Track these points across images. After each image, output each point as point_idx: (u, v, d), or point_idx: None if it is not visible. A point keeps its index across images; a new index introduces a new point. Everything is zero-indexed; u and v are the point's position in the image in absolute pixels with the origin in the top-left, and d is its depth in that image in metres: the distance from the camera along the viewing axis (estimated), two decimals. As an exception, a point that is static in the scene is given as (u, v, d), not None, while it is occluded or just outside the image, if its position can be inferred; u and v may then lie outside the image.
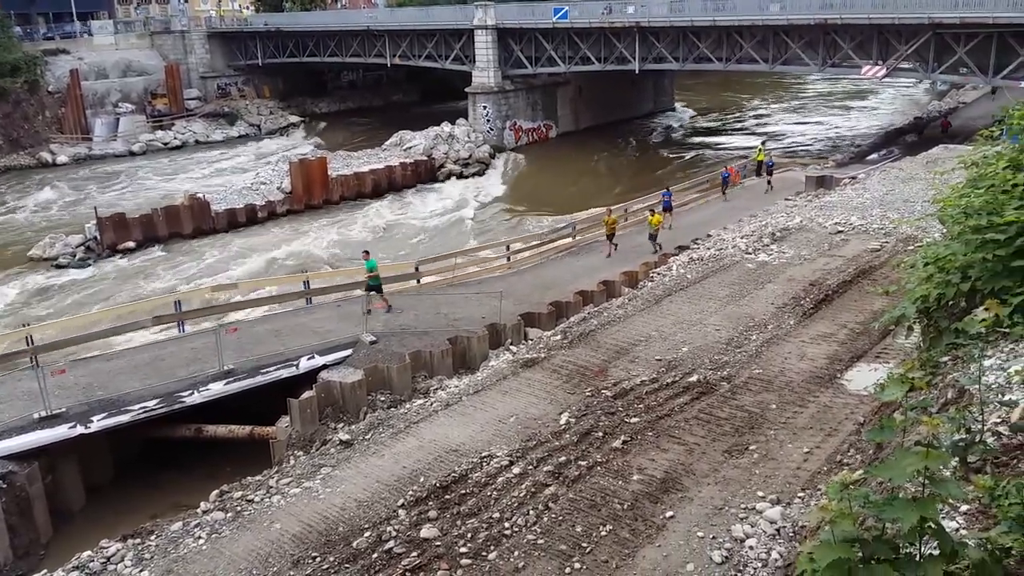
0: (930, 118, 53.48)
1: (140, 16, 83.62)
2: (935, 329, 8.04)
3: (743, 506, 10.51)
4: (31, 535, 14.67)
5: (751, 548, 9.56)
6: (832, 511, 4.19)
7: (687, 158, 52.80)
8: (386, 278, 24.51)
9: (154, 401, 16.65)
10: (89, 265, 34.67)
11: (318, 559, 10.52)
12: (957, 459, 5.46)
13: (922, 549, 4.12)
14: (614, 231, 26.87)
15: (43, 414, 15.78)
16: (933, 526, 4.11)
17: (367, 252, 22.27)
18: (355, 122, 69.58)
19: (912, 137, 46.06)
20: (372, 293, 20.77)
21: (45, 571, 11.84)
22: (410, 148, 49.40)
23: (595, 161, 52.57)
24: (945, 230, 9.55)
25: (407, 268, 25.65)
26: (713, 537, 9.95)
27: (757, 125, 65.01)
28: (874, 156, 45.01)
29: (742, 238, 24.37)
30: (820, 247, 22.59)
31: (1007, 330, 6.93)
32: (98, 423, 15.90)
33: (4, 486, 14.26)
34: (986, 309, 5.56)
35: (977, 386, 6.03)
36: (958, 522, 4.99)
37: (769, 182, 35.03)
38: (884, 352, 15.09)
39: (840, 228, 24.26)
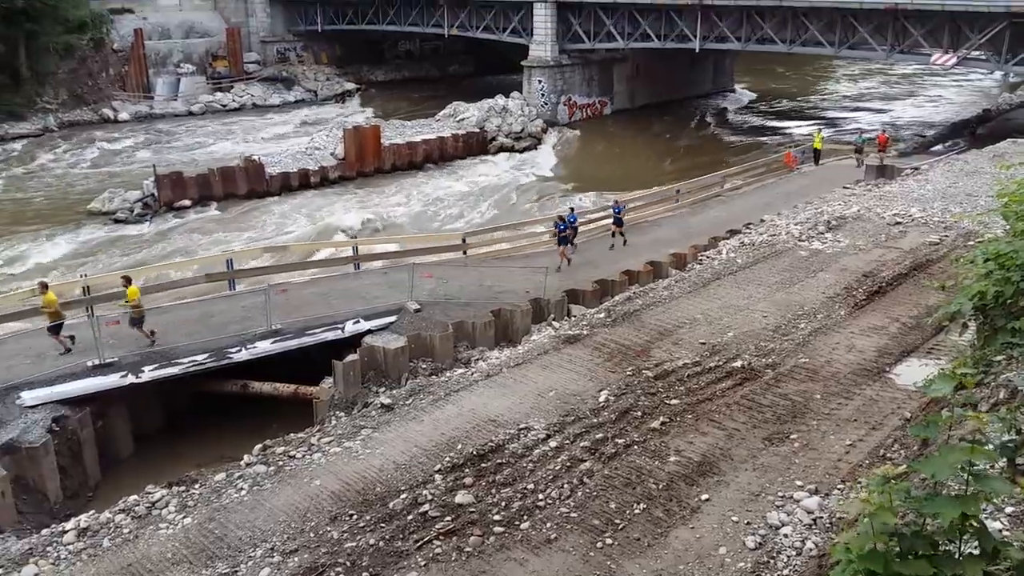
0: (999, 111, 51.53)
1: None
2: (991, 327, 7.83)
3: (780, 494, 10.44)
4: (80, 477, 15.25)
5: (786, 536, 9.50)
6: (872, 503, 4.12)
7: (745, 142, 51.81)
8: (433, 248, 24.72)
9: (203, 356, 17.09)
10: (146, 221, 35.50)
11: (355, 517, 10.75)
12: (1005, 460, 5.33)
13: (962, 547, 4.04)
14: (141, 314, 17.26)
15: (96, 362, 16.30)
16: (975, 524, 4.02)
17: None
18: (410, 91, 69.59)
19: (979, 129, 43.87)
20: None
21: (93, 511, 12.27)
22: (463, 120, 49.29)
23: (649, 140, 51.89)
24: (1008, 227, 9.24)
25: (454, 239, 25.75)
26: (748, 523, 9.91)
27: (818, 110, 63.45)
28: (939, 147, 43.62)
29: (796, 225, 23.91)
30: (876, 238, 22.06)
31: (1067, 331, 6.73)
32: (148, 374, 16.37)
33: (57, 429, 14.80)
34: (1046, 308, 5.40)
35: (1031, 386, 5.87)
36: (1002, 523, 4.90)
37: (620, 233, 24.60)
38: (936, 348, 14.76)
39: (899, 219, 23.64)
